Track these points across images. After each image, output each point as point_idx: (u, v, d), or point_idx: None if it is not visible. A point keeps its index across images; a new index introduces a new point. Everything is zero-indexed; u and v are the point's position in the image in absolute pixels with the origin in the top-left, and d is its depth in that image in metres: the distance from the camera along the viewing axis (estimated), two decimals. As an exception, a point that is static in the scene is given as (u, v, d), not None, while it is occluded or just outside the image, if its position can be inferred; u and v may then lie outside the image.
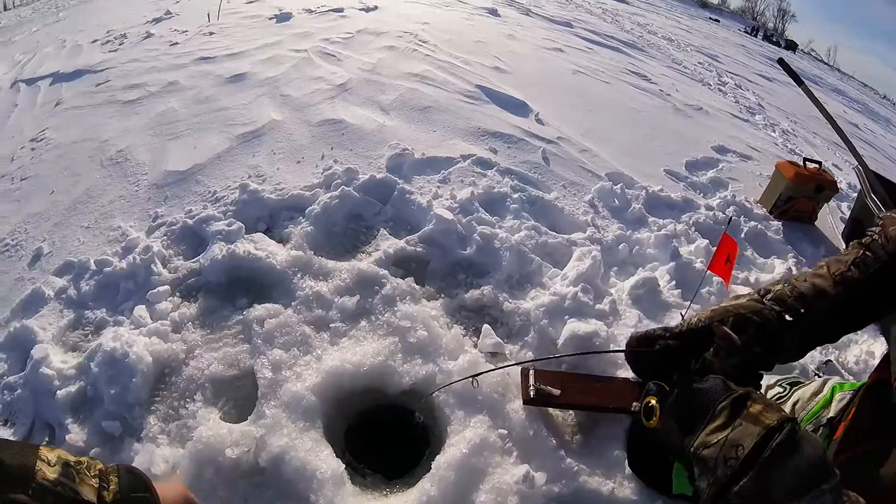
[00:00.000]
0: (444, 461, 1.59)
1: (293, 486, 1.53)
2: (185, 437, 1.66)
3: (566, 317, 2.16)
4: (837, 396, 1.40)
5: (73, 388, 1.87)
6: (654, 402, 1.21)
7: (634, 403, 1.20)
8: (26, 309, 2.26)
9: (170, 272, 2.28)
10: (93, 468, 0.87)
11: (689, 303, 2.36)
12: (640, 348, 1.09)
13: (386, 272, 2.19)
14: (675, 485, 1.47)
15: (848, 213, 4.37)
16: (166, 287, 2.18)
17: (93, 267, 2.33)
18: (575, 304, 2.20)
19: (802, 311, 1.02)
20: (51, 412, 1.84)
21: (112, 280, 2.26)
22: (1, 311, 2.30)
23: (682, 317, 1.15)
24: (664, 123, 4.66)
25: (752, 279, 2.92)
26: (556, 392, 1.77)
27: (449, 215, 2.45)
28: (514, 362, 1.95)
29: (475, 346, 2.02)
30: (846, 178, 5.08)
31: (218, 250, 2.26)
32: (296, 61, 4.23)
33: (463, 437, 1.66)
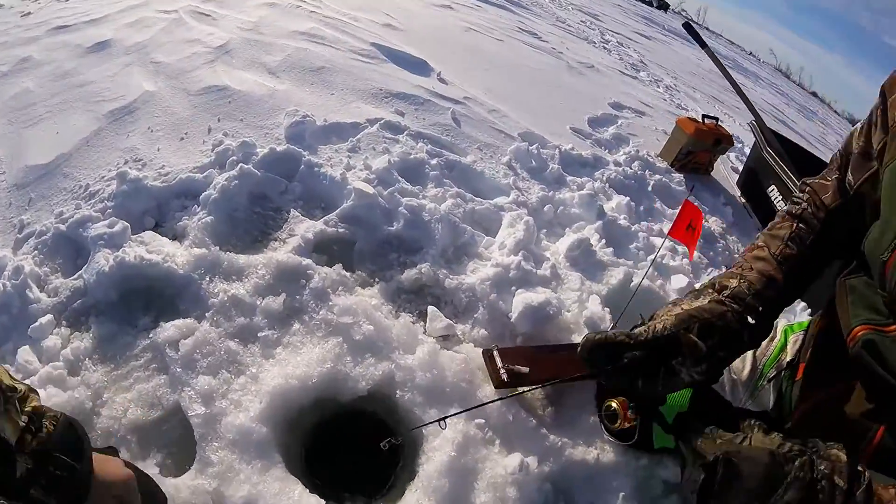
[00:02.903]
0: (433, 469, 1.46)
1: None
2: (124, 509, 1.36)
3: (513, 288, 2.10)
4: (791, 339, 1.52)
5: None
6: (615, 405, 1.18)
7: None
8: None
9: (49, 295, 1.86)
10: (28, 402, 0.76)
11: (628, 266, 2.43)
12: (602, 361, 1.12)
13: (309, 261, 1.96)
14: (656, 440, 1.50)
15: (735, 163, 4.84)
16: (49, 317, 1.76)
17: (-45, 303, 1.80)
18: (519, 273, 2.15)
19: (760, 308, 1.10)
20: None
21: None
22: None
23: (642, 317, 1.17)
24: (561, 81, 4.77)
25: (665, 229, 3.08)
26: (526, 370, 1.73)
27: (369, 189, 2.26)
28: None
29: (425, 331, 1.89)
30: (729, 130, 5.59)
31: (103, 260, 1.86)
32: (166, 23, 3.71)
33: (444, 437, 1.53)
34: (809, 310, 2.66)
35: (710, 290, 1.15)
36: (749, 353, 1.58)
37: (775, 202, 3.56)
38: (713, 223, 3.53)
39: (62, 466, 0.76)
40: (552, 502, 1.62)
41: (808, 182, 1.24)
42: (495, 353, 1.79)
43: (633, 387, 1.12)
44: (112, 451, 1.02)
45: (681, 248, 2.96)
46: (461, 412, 1.43)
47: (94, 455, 0.82)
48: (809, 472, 0.80)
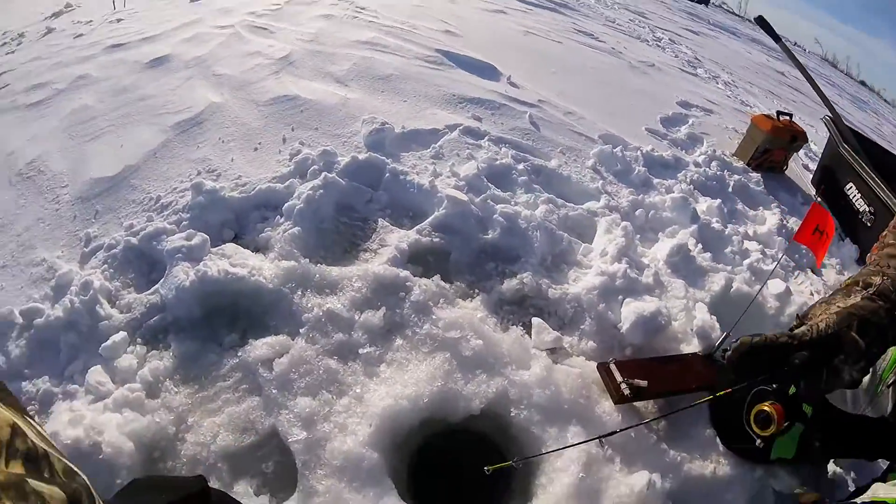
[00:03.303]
0: (560, 491, 1.37)
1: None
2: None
3: (620, 297, 1.98)
4: None
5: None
6: (767, 408, 1.19)
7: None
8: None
9: (121, 312, 1.79)
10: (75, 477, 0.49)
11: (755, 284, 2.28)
12: (758, 364, 1.19)
13: (406, 272, 1.88)
14: (775, 449, 1.46)
15: (805, 160, 4.59)
16: (122, 334, 1.69)
17: (19, 320, 1.76)
18: (625, 281, 2.02)
19: None
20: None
21: (48, 335, 1.72)
22: None
23: (798, 318, 1.24)
24: (627, 81, 4.62)
25: (750, 232, 2.91)
26: (644, 384, 1.64)
27: (462, 196, 2.17)
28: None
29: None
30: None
31: (182, 274, 1.78)
32: (223, 38, 3.71)
33: (567, 459, 1.42)
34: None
35: (858, 288, 1.21)
36: None
37: (853, 200, 3.36)
38: (793, 223, 3.32)
39: None
40: (672, 520, 1.51)
41: None
42: (612, 366, 1.69)
43: (795, 388, 1.20)
44: (201, 479, 0.96)
45: (770, 252, 2.78)
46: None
47: None
48: None
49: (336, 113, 2.80)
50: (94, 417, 1.44)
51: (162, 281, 1.85)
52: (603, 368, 1.70)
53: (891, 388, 1.48)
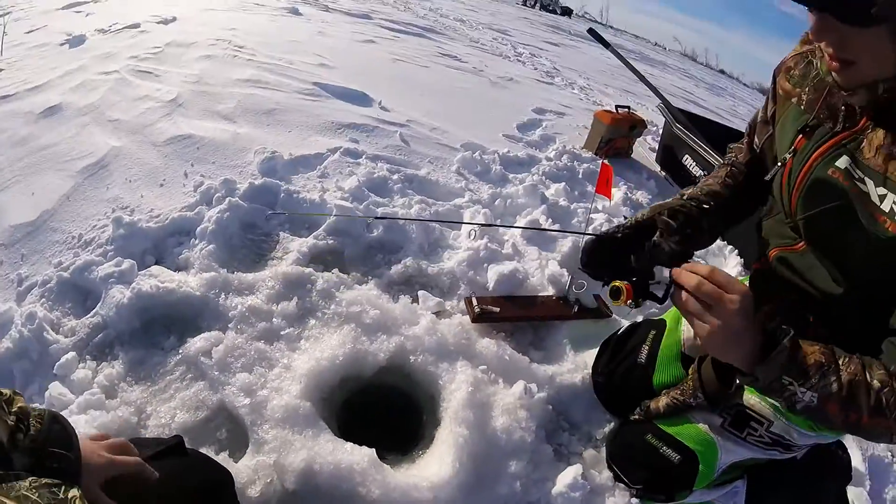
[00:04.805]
0: (457, 404, 1.82)
1: (336, 490, 1.57)
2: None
3: (485, 264, 2.54)
4: None
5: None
6: (618, 284, 1.66)
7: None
8: None
9: (66, 336, 2.05)
10: (14, 403, 0.82)
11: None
12: (600, 256, 1.49)
13: (310, 269, 2.32)
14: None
15: (652, 143, 5.51)
16: (73, 353, 1.95)
17: (-32, 364, 1.93)
18: (488, 252, 2.58)
19: (711, 203, 1.53)
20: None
21: (1, 367, 1.94)
22: None
23: (626, 217, 1.65)
24: (487, 96, 5.33)
25: (599, 207, 3.60)
26: (497, 309, 2.21)
27: (348, 204, 2.65)
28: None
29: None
30: (644, 115, 6.30)
31: (118, 294, 2.10)
32: (110, 84, 3.91)
33: (459, 381, 1.91)
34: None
35: (675, 196, 1.59)
36: None
37: (691, 169, 4.16)
38: (640, 196, 4.07)
39: (56, 458, 0.82)
40: (555, 419, 2.04)
41: (731, 146, 1.71)
42: (473, 298, 2.28)
43: (627, 263, 1.42)
44: (177, 437, 1.20)
45: (616, 220, 3.49)
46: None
47: (81, 443, 0.88)
48: None
49: (229, 147, 3.18)
50: (62, 423, 1.73)
51: (100, 303, 2.12)
52: (466, 300, 2.30)
53: None
